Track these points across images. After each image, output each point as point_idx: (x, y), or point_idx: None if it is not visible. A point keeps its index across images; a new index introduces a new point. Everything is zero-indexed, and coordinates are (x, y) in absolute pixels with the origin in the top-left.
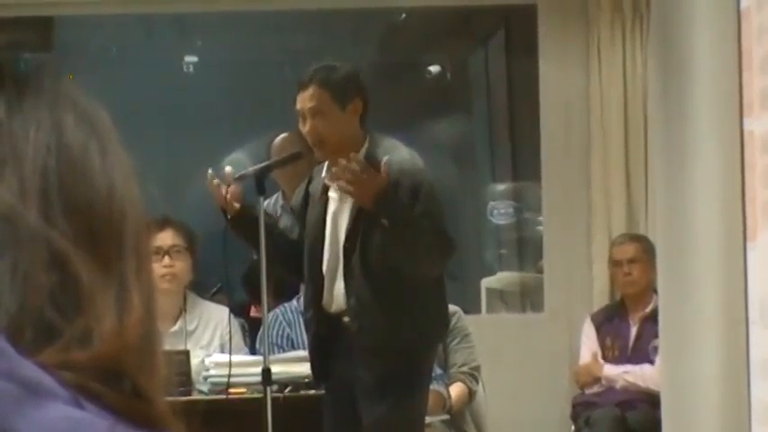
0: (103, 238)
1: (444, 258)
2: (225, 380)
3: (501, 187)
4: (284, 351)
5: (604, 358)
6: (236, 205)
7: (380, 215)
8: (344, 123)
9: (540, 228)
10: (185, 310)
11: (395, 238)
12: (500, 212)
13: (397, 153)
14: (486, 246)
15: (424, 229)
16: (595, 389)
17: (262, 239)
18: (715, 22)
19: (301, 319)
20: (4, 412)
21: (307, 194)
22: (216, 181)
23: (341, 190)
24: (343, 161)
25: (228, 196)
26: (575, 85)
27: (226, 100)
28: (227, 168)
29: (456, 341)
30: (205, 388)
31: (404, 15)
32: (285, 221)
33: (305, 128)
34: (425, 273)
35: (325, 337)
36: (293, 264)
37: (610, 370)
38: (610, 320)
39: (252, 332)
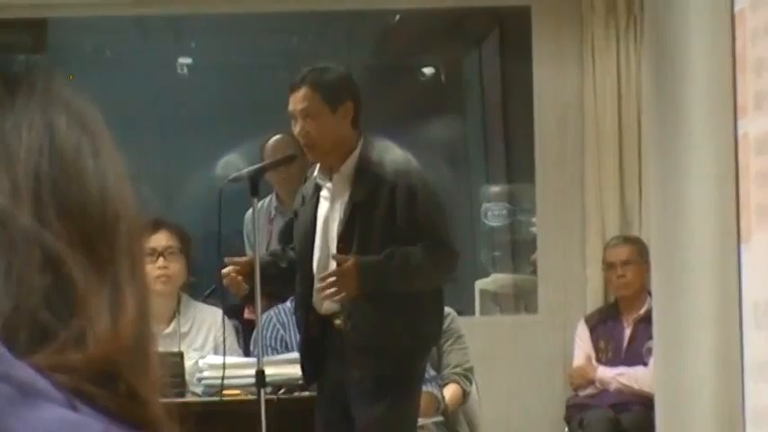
0: (97, 240)
1: (450, 271)
2: (219, 382)
3: (495, 189)
4: (278, 353)
5: (598, 360)
6: (246, 287)
7: (373, 290)
8: (335, 125)
9: (534, 229)
10: (179, 312)
11: (398, 288)
12: (494, 214)
13: (390, 155)
14: (480, 247)
15: (419, 262)
16: (589, 391)
17: (256, 245)
18: (709, 23)
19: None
20: None
21: (302, 196)
22: (230, 271)
23: (333, 301)
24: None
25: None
26: (569, 87)
27: (220, 102)
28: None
29: (449, 342)
30: (199, 390)
31: (398, 17)
32: (279, 223)
33: (296, 129)
34: (434, 286)
35: (317, 338)
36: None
37: (603, 372)
38: (603, 322)
39: (246, 334)
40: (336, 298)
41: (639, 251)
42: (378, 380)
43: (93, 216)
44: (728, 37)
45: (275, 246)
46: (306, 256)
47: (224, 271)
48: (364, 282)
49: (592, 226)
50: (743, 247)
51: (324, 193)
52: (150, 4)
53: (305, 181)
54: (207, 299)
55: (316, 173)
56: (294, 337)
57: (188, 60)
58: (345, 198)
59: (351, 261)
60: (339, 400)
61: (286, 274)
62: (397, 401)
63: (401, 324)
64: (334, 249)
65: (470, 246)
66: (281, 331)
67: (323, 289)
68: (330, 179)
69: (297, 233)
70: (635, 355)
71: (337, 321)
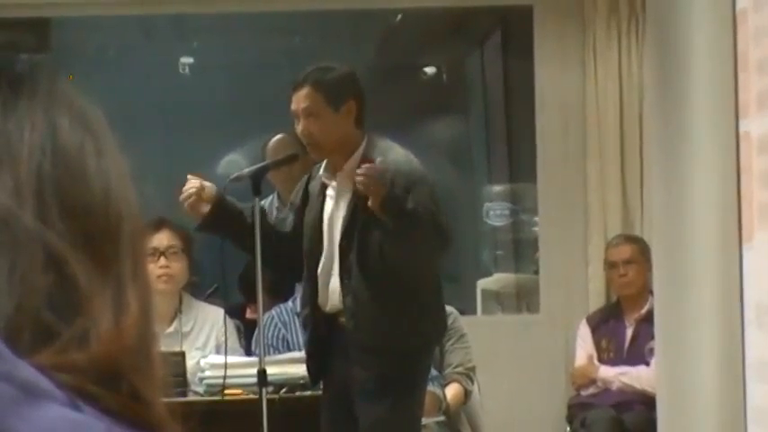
0: (100, 240)
1: (440, 248)
2: (220, 381)
3: (497, 188)
4: (280, 352)
5: (600, 360)
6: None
7: (386, 217)
8: (338, 125)
9: (536, 229)
10: (181, 312)
11: (394, 234)
12: (496, 214)
13: (392, 154)
14: (482, 247)
15: (420, 220)
16: (591, 390)
17: (257, 241)
18: (711, 23)
19: (297, 321)
20: (1, 414)
21: (306, 193)
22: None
23: (362, 191)
24: (362, 168)
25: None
26: (571, 86)
27: (222, 101)
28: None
29: (452, 342)
30: (201, 389)
31: (400, 16)
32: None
33: (298, 128)
34: (421, 264)
35: (322, 336)
36: (284, 259)
37: (605, 371)
38: (605, 322)
39: (247, 333)
40: (363, 186)
41: (641, 250)
42: (381, 379)
43: (96, 216)
44: (730, 37)
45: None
46: (313, 255)
47: (184, 191)
48: (385, 202)
49: (594, 225)
50: (745, 246)
51: (329, 191)
52: (153, 3)
53: (309, 179)
54: (209, 298)
55: (321, 171)
56: (295, 336)
57: (190, 60)
58: (349, 197)
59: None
60: (343, 398)
61: (249, 229)
62: (400, 401)
63: (404, 323)
64: (336, 247)
65: (473, 245)
66: (283, 330)
67: (362, 175)
68: (335, 178)
69: (305, 232)
70: (637, 354)
71: (342, 319)
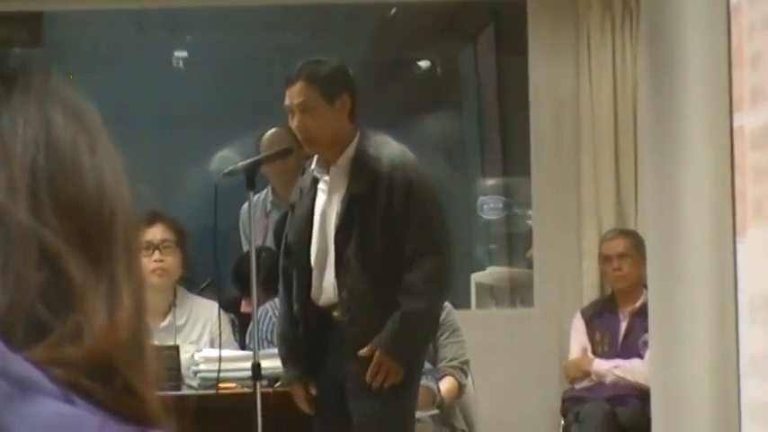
0: (93, 236)
1: (447, 275)
2: (214, 375)
3: (491, 182)
4: (274, 346)
5: (594, 353)
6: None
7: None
8: (333, 119)
9: (530, 222)
10: (175, 305)
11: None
12: (490, 207)
13: (387, 148)
14: (476, 241)
15: (420, 292)
16: (585, 384)
17: (252, 238)
18: (705, 18)
19: None
20: None
21: (298, 190)
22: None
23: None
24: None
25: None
26: (564, 81)
27: (216, 96)
28: None
29: (445, 335)
30: (195, 383)
31: (393, 11)
32: (275, 217)
33: (293, 123)
34: (443, 289)
35: (315, 331)
36: None
37: (599, 364)
38: (600, 315)
39: (242, 327)
40: (387, 383)
41: (635, 244)
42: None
43: (89, 212)
44: (724, 31)
45: (271, 240)
46: (303, 248)
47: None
48: (399, 357)
49: (588, 219)
50: (738, 240)
51: (321, 185)
52: None
53: (302, 173)
54: (203, 292)
55: (313, 165)
56: None
57: (184, 54)
58: (343, 191)
59: (378, 352)
60: (337, 393)
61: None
62: (394, 396)
63: None
64: (331, 241)
65: (466, 239)
66: None
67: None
68: (327, 172)
69: (294, 225)
70: (631, 347)
71: (336, 313)
